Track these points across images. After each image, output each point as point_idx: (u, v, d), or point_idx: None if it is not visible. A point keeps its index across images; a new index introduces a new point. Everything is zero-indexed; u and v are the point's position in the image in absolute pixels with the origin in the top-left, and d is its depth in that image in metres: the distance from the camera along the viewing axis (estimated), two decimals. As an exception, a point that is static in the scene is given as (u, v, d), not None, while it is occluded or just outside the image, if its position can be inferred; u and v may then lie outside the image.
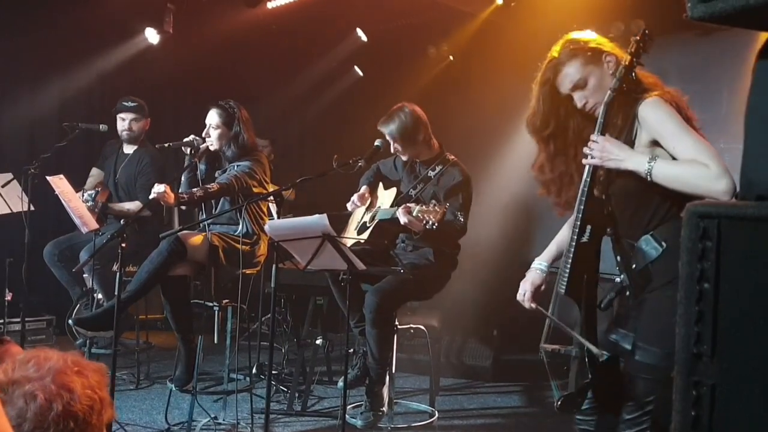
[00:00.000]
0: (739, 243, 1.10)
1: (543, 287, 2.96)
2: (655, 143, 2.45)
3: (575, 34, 2.69)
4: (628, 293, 2.57)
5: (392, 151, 4.43)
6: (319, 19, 6.71)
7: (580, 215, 2.54)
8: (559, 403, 2.57)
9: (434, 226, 3.76)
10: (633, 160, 2.43)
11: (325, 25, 6.98)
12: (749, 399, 1.09)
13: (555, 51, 2.68)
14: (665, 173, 2.36)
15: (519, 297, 2.97)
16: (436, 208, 3.77)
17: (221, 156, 4.67)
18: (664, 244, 2.45)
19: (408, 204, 4.00)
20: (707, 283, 1.12)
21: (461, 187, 4.34)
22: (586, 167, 2.53)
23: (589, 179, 2.53)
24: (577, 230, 2.54)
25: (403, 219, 3.93)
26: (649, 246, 2.48)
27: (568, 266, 2.55)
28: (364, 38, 7.36)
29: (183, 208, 4.51)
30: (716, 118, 5.25)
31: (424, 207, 3.83)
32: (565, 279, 2.56)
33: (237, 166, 4.54)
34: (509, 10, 6.29)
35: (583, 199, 2.54)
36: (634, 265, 2.55)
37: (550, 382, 2.69)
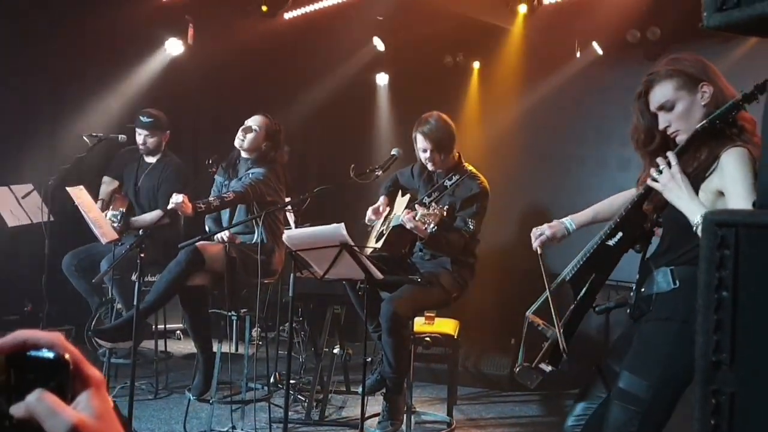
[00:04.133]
0: (757, 251, 1.10)
1: (558, 242, 3.00)
2: (721, 193, 2.33)
3: (679, 54, 2.54)
4: (628, 311, 2.57)
5: (422, 159, 4.40)
6: (337, 29, 6.74)
7: (618, 220, 2.54)
8: (517, 369, 2.65)
9: (434, 229, 3.75)
10: (690, 205, 2.30)
11: (344, 35, 7.00)
12: (769, 408, 1.08)
13: (658, 66, 2.54)
14: None
15: (533, 234, 3.01)
16: (435, 211, 3.75)
17: (237, 163, 4.71)
18: (677, 283, 2.41)
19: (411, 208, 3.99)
20: (726, 291, 1.11)
21: (477, 198, 4.31)
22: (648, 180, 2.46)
23: (643, 191, 2.49)
24: (608, 231, 2.54)
25: (408, 225, 3.89)
26: (664, 279, 2.45)
27: (584, 258, 2.57)
28: (381, 47, 7.37)
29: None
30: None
31: (426, 211, 3.80)
32: (575, 268, 2.58)
33: (251, 173, 4.56)
34: (531, 20, 6.29)
35: (629, 207, 2.53)
36: (643, 289, 2.54)
37: (520, 347, 2.74)
